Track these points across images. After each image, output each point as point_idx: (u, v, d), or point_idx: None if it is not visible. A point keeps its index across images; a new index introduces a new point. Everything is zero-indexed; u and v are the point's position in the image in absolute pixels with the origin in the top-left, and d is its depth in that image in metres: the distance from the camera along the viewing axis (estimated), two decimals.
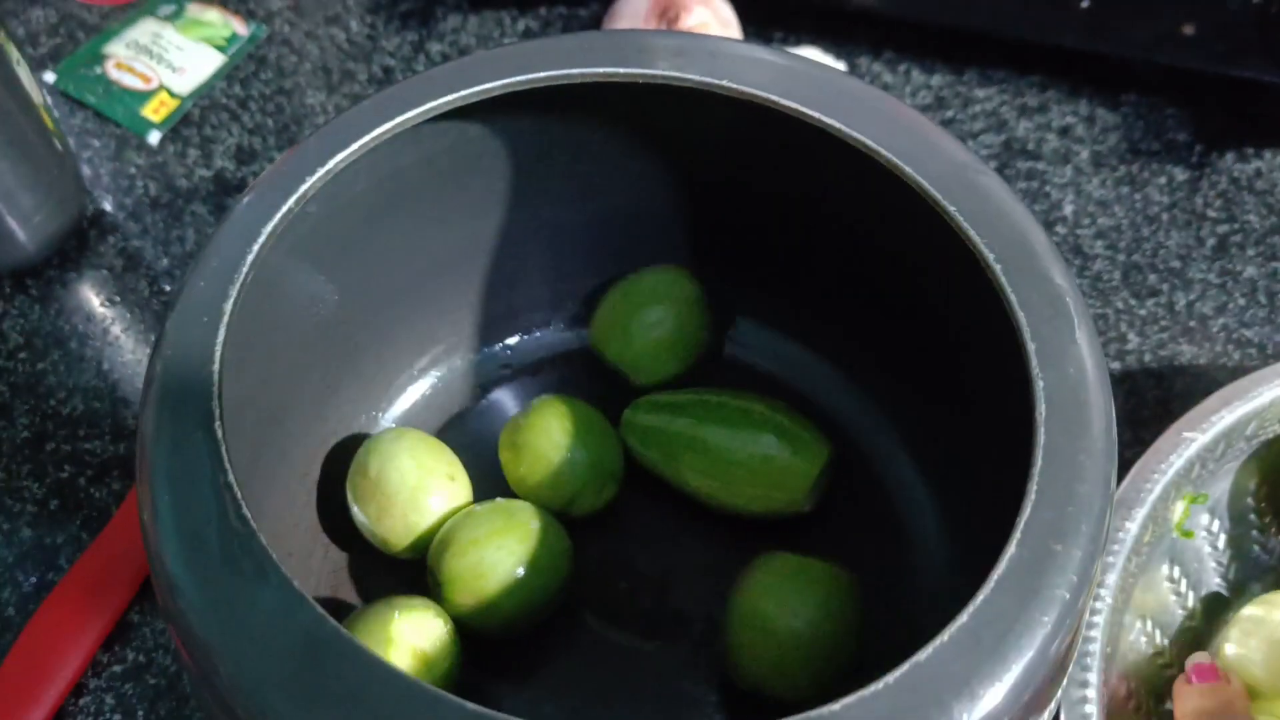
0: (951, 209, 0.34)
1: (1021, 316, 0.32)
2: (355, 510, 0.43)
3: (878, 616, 0.41)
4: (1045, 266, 0.33)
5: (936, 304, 0.40)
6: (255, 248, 0.34)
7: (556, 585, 0.42)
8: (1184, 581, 0.40)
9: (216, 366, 0.31)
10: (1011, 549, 0.28)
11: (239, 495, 0.29)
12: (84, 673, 0.45)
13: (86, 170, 0.61)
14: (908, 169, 0.35)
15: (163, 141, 0.61)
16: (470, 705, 0.26)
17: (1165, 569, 0.40)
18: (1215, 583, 0.41)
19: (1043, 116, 0.60)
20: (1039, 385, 0.31)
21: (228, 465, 0.30)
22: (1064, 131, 0.60)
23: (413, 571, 0.43)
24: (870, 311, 0.44)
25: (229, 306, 0.33)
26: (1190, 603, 0.40)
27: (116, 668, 0.45)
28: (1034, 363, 0.31)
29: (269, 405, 0.39)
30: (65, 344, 0.54)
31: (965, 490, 0.41)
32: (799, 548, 0.44)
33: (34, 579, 0.48)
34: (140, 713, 0.44)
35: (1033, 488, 0.29)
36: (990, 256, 0.33)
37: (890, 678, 0.27)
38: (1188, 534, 0.40)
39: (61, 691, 0.44)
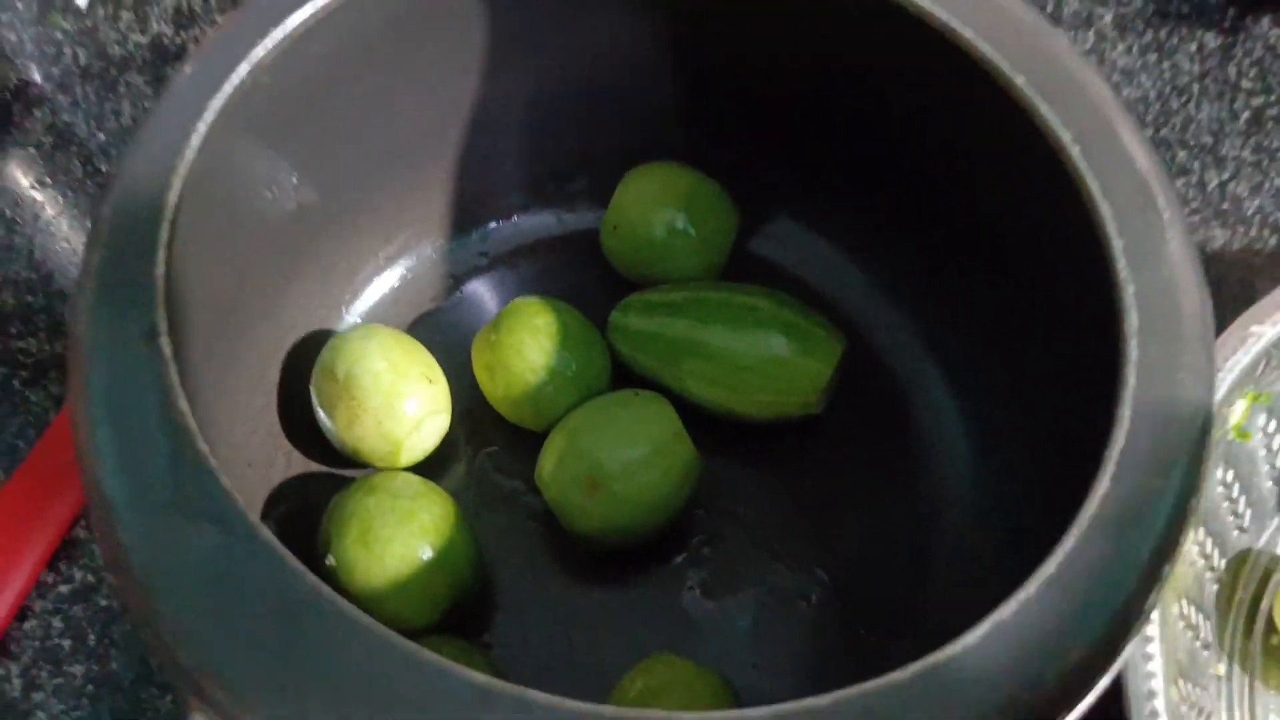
0: (1019, 79, 0.29)
1: (1105, 209, 0.28)
2: (321, 415, 0.39)
3: (891, 525, 0.38)
4: (1128, 148, 0.29)
5: (992, 192, 0.35)
6: (201, 127, 0.29)
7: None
8: (1236, 486, 0.37)
9: (161, 270, 0.27)
10: (1104, 485, 0.24)
11: (192, 426, 0.25)
12: (28, 595, 0.41)
13: (10, 36, 0.54)
14: (964, 31, 0.30)
15: (92, 4, 0.55)
16: (479, 676, 0.22)
17: (1219, 473, 0.36)
18: (1268, 487, 0.38)
19: None
20: (1128, 290, 0.27)
21: (179, 390, 0.25)
22: None
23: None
24: (906, 198, 0.39)
25: (172, 198, 0.28)
26: (1242, 508, 0.37)
27: (63, 588, 0.42)
28: (1121, 263, 0.27)
29: (219, 303, 0.34)
30: None
31: (999, 399, 0.38)
32: (807, 451, 0.41)
33: None
34: (91, 637, 0.41)
35: (1125, 412, 0.25)
36: (1067, 137, 0.29)
37: (970, 638, 0.23)
38: (1245, 435, 0.37)
39: (4, 616, 0.40)
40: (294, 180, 0.38)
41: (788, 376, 0.38)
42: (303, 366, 0.40)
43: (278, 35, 0.31)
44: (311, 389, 0.39)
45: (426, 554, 0.35)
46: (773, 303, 0.39)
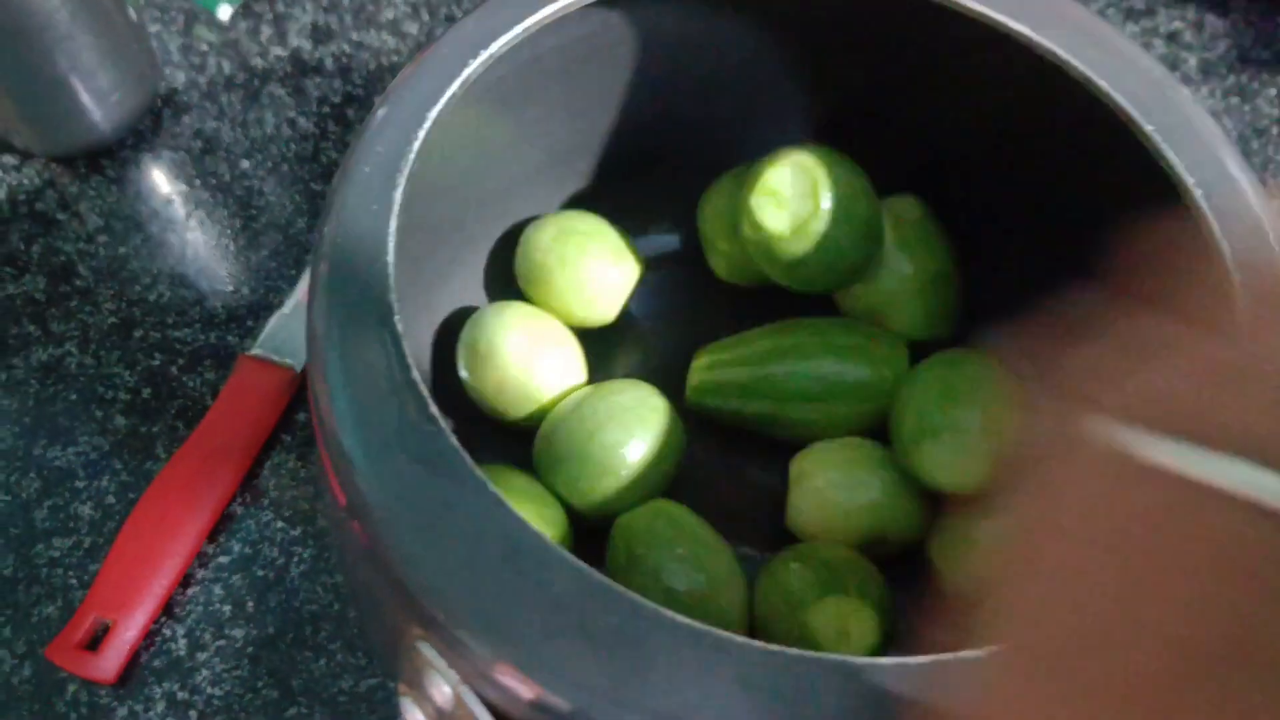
0: (1149, 128, 0.33)
1: (1225, 247, 0.31)
2: (469, 382, 0.43)
3: None
4: (1245, 194, 0.32)
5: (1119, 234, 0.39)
6: (422, 132, 0.32)
7: (672, 469, 0.42)
8: None
9: (391, 258, 0.30)
10: None
11: (424, 392, 0.28)
12: (191, 563, 0.45)
13: (159, 47, 0.58)
14: (1101, 82, 0.33)
15: (234, 17, 0.59)
16: (683, 619, 0.26)
17: None
18: None
19: (1149, 21, 0.59)
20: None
21: (410, 361, 0.29)
22: (1171, 38, 0.58)
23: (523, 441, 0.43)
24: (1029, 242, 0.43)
25: (397, 196, 0.31)
26: None
27: (223, 559, 0.45)
28: (1240, 298, 0.30)
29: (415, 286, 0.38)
30: (145, 228, 0.53)
31: None
32: None
33: (131, 467, 0.47)
34: (250, 603, 0.44)
35: None
36: (1190, 181, 0.32)
37: None
38: None
39: (171, 580, 0.44)
40: (463, 187, 0.41)
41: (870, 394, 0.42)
42: (449, 343, 0.44)
43: (485, 55, 0.34)
44: (459, 360, 0.43)
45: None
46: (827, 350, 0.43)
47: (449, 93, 0.34)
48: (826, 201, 0.40)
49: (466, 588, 0.26)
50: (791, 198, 0.41)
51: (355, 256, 0.31)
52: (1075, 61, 0.34)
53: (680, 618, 0.26)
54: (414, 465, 0.28)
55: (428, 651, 0.27)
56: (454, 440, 0.28)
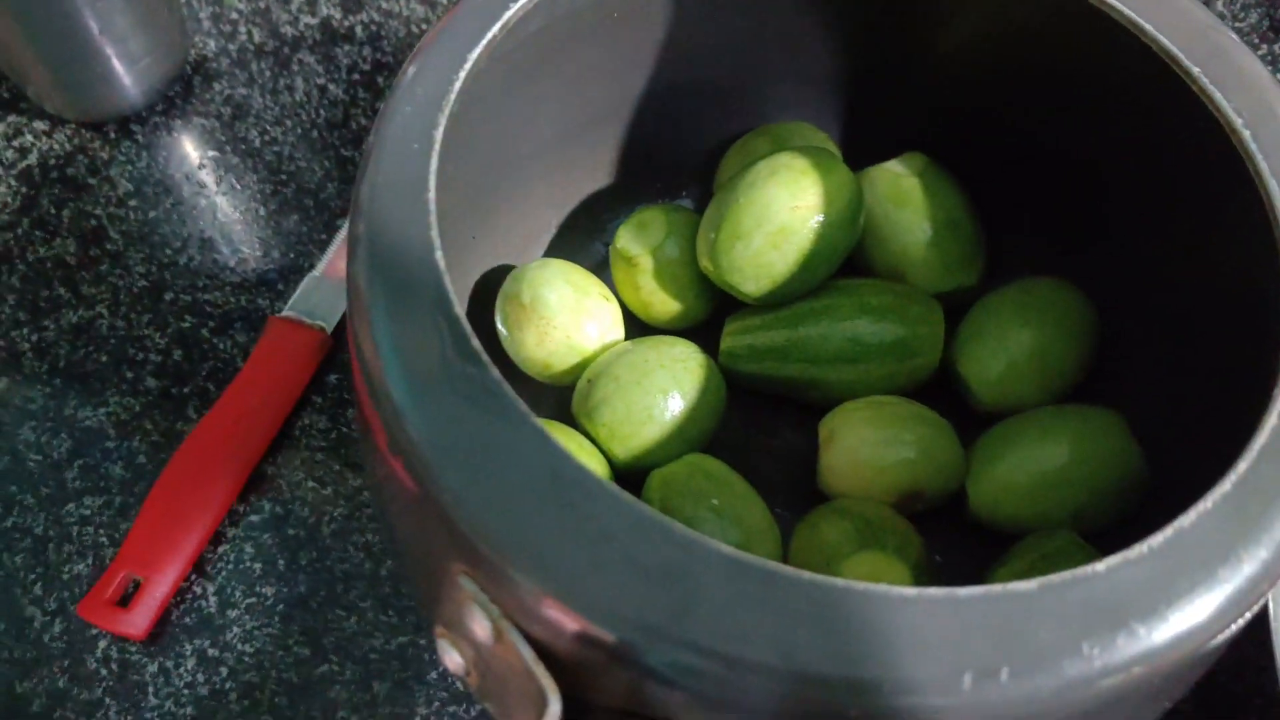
0: (1196, 70, 0.32)
1: (1274, 187, 0.31)
2: (508, 336, 0.43)
3: None
4: None
5: (1166, 179, 0.39)
6: (462, 72, 0.32)
7: (711, 426, 0.42)
8: None
9: (432, 195, 0.30)
10: (1273, 419, 0.27)
11: (467, 328, 0.28)
12: (221, 522, 0.45)
13: (189, 14, 0.58)
14: (1146, 25, 0.33)
15: None
16: (726, 548, 0.25)
17: None
18: None
19: None
20: None
21: (452, 297, 0.29)
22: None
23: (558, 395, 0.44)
24: (1085, 195, 0.43)
25: (438, 135, 0.31)
26: None
27: (254, 517, 0.45)
28: None
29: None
30: (177, 192, 0.53)
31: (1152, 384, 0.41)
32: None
33: (163, 428, 0.47)
34: (281, 562, 0.44)
35: None
36: (1239, 122, 0.32)
37: (1154, 541, 0.26)
38: None
39: (202, 538, 0.44)
40: (494, 148, 0.41)
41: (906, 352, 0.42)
42: (484, 311, 0.44)
43: (505, 17, 0.34)
44: (498, 315, 0.43)
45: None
46: (861, 309, 0.43)
47: (487, 37, 0.33)
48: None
49: (512, 521, 0.26)
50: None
51: (397, 196, 0.31)
52: (1120, 5, 0.34)
53: (728, 549, 0.25)
54: (457, 401, 0.27)
55: (469, 587, 0.27)
56: (497, 374, 0.28)
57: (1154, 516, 0.39)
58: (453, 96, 0.33)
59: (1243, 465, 0.27)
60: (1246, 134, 0.32)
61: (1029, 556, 0.38)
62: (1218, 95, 0.33)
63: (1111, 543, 0.39)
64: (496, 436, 0.27)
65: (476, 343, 0.28)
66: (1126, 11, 0.35)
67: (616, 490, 0.26)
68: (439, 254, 0.29)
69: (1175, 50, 0.34)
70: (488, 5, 0.35)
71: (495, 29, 0.34)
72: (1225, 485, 0.27)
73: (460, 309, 0.29)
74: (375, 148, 0.32)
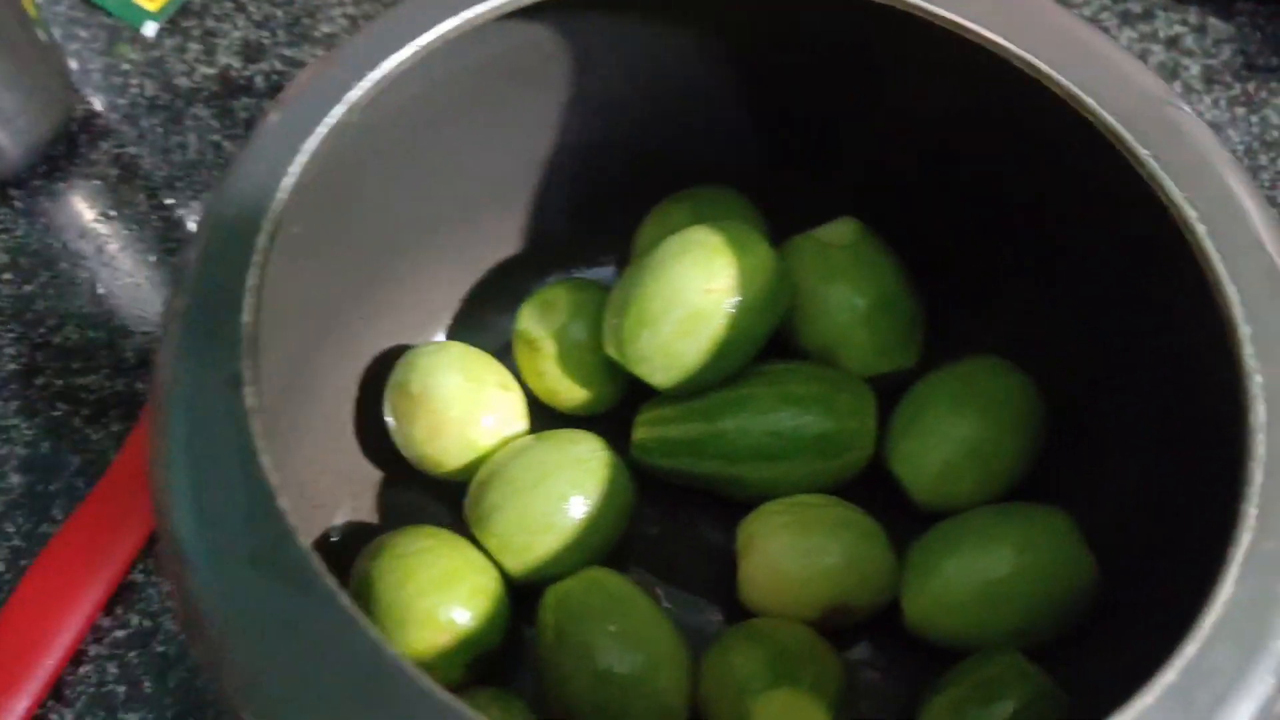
0: (1144, 153, 0.28)
1: (1232, 292, 0.26)
2: (396, 429, 0.39)
3: None
4: (1257, 230, 0.28)
5: (1115, 272, 0.34)
6: (294, 170, 0.28)
7: (618, 533, 0.38)
8: None
9: (248, 318, 0.26)
10: (1227, 588, 0.23)
11: (273, 482, 0.24)
12: (84, 639, 0.40)
13: (74, 66, 0.54)
14: (1089, 100, 0.29)
15: (160, 34, 0.55)
16: None
17: None
18: None
19: (1147, 25, 0.54)
20: (1255, 381, 0.25)
21: (260, 444, 0.24)
22: (1171, 43, 0.54)
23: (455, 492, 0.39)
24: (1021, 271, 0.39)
25: (262, 241, 0.27)
26: None
27: (119, 633, 0.41)
28: (1248, 351, 0.26)
29: (299, 345, 0.34)
30: (55, 264, 0.49)
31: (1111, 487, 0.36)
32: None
33: (25, 531, 0.43)
34: (147, 684, 0.40)
35: (1250, 510, 0.24)
36: (1193, 216, 0.28)
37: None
38: None
39: (60, 660, 0.39)
40: (367, 227, 0.37)
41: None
42: (374, 399, 0.40)
43: (378, 76, 0.30)
44: (387, 406, 0.39)
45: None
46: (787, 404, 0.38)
47: (347, 100, 0.29)
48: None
49: (306, 715, 0.22)
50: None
51: (211, 306, 0.27)
52: (1058, 75, 0.30)
53: None
54: (255, 568, 0.23)
55: None
56: (302, 541, 0.23)
57: (1106, 629, 0.36)
58: (297, 170, 0.29)
59: (1191, 648, 0.23)
60: (1201, 229, 0.28)
61: (965, 683, 0.34)
62: (1169, 184, 0.29)
63: (1059, 661, 0.35)
64: (297, 618, 0.23)
65: (282, 501, 0.24)
66: (1064, 83, 0.30)
67: (435, 689, 0.22)
68: (249, 389, 0.25)
69: (1121, 130, 0.30)
70: (354, 61, 0.31)
71: (357, 93, 0.30)
72: (1169, 674, 0.23)
73: (266, 458, 0.24)
74: (206, 219, 0.28)
